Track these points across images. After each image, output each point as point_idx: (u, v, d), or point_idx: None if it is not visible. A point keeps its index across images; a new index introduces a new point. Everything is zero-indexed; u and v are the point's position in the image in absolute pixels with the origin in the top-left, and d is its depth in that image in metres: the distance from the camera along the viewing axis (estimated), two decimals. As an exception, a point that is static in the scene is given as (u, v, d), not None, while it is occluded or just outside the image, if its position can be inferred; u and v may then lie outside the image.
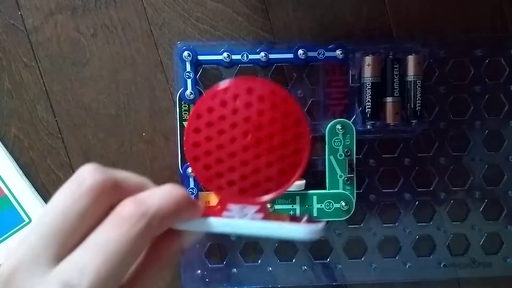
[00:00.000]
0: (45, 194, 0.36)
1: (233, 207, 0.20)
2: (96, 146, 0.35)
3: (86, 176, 0.17)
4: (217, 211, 0.20)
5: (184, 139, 0.20)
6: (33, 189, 0.35)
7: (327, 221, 0.34)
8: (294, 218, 0.21)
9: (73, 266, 0.16)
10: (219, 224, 0.20)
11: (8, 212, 0.35)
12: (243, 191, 0.20)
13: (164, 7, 0.35)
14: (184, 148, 0.20)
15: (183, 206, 0.18)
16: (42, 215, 0.17)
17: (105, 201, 0.18)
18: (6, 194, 0.35)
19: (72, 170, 0.36)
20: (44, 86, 0.35)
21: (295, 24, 0.35)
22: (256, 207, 0.20)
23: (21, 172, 0.35)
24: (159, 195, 0.18)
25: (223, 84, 0.20)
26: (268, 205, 0.21)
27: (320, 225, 0.20)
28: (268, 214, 0.20)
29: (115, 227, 0.17)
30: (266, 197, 0.20)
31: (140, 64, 0.35)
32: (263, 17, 0.35)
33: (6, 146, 0.35)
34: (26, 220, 0.35)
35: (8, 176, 0.35)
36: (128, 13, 0.35)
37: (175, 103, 0.35)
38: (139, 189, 0.19)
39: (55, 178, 0.36)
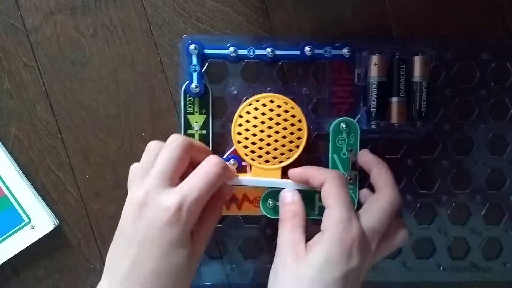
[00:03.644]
0: (45, 194, 0.29)
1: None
2: (96, 146, 0.28)
3: (174, 139, 0.23)
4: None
5: (232, 130, 0.26)
6: (32, 189, 0.29)
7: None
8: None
9: (187, 185, 0.22)
10: (249, 180, 0.26)
11: (8, 212, 0.29)
12: (267, 161, 0.26)
13: (164, 6, 0.28)
14: (232, 136, 0.26)
15: (233, 170, 0.26)
16: (156, 163, 0.22)
17: (189, 153, 0.23)
18: (6, 194, 0.29)
19: (71, 170, 0.29)
20: (44, 86, 0.28)
21: (295, 24, 0.28)
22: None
23: (21, 172, 0.29)
24: (223, 160, 0.24)
25: (256, 97, 0.26)
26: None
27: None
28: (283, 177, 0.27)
29: (211, 166, 0.23)
30: (280, 165, 0.26)
31: (140, 64, 0.28)
32: (263, 17, 0.28)
33: (6, 146, 0.29)
34: (26, 220, 0.28)
35: (8, 176, 0.29)
36: (128, 13, 0.28)
37: (175, 102, 0.28)
38: (203, 148, 0.25)
39: (54, 178, 0.29)
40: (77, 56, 0.28)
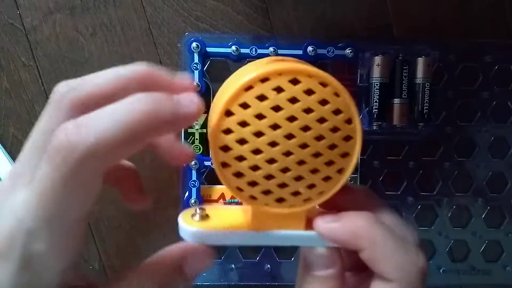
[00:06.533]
0: (44, 194, 0.27)
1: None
2: (95, 147, 0.27)
3: (55, 92, 0.13)
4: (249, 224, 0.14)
5: (210, 140, 0.13)
6: (31, 189, 0.27)
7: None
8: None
9: (24, 198, 0.12)
10: (248, 236, 0.14)
11: (7, 212, 0.26)
12: (280, 200, 0.13)
13: (163, 6, 0.26)
14: (211, 152, 0.13)
15: (143, 131, 0.11)
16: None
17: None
18: (4, 194, 0.26)
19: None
20: (43, 86, 0.27)
21: (295, 23, 0.27)
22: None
23: (19, 172, 0.27)
24: (104, 120, 0.11)
25: (263, 73, 0.12)
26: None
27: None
28: (307, 224, 0.14)
29: (46, 163, 0.11)
30: (306, 207, 0.14)
31: (139, 64, 0.26)
32: (263, 16, 0.26)
33: (4, 146, 0.27)
34: (25, 220, 0.27)
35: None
36: (127, 12, 0.26)
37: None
38: (112, 92, 0.13)
39: (53, 179, 0.27)
40: (76, 55, 0.27)
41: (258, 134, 0.12)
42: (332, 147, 0.13)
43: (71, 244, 0.12)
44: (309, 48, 0.25)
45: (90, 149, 0.11)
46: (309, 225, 0.14)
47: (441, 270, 0.28)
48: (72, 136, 0.11)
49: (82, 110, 0.12)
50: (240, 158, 0.13)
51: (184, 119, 0.12)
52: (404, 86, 0.24)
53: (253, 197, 0.13)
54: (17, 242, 0.11)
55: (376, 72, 0.24)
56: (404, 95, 0.24)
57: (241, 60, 0.26)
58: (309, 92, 0.12)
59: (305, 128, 0.12)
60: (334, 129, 0.13)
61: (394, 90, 0.24)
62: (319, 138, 0.13)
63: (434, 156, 0.27)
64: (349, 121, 0.13)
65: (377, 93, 0.24)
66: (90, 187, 0.12)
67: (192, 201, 0.27)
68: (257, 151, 0.13)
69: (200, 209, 0.15)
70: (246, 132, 0.12)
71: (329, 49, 0.25)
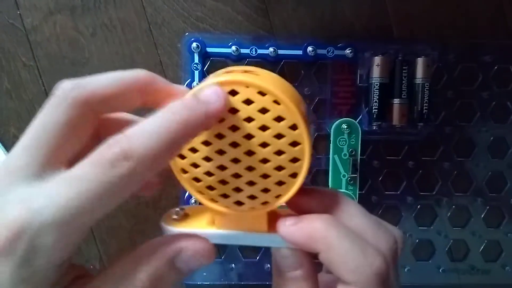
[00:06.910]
0: (44, 194, 0.27)
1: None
2: (95, 146, 0.27)
3: (58, 89, 0.13)
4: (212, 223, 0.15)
5: None
6: (32, 189, 0.27)
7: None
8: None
9: (44, 190, 0.12)
10: (214, 235, 0.14)
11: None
12: (239, 203, 0.14)
13: (163, 6, 0.26)
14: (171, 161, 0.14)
15: (182, 139, 0.12)
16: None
17: (77, 115, 0.13)
18: (5, 194, 0.26)
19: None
20: (43, 86, 0.27)
21: (295, 24, 0.27)
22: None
23: (20, 172, 0.27)
24: (150, 133, 0.12)
25: (200, 86, 0.13)
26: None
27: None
28: (268, 225, 0.15)
29: (95, 165, 0.12)
30: (265, 209, 0.14)
31: (140, 64, 0.27)
32: (263, 16, 0.26)
33: (5, 146, 0.27)
34: (25, 220, 0.27)
35: (7, 175, 0.27)
36: (128, 12, 0.26)
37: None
38: (115, 94, 0.13)
39: (54, 179, 0.27)
40: (77, 56, 0.27)
41: (206, 143, 0.13)
42: (279, 153, 0.13)
43: (76, 239, 0.12)
44: (309, 48, 0.25)
45: (143, 157, 0.11)
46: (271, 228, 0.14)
47: (440, 270, 0.28)
48: (125, 145, 0.11)
49: (84, 108, 0.13)
50: (195, 165, 0.13)
51: (215, 115, 0.12)
52: (404, 86, 0.24)
53: (213, 200, 0.14)
54: (25, 234, 0.11)
55: (375, 72, 0.24)
56: (404, 95, 0.24)
57: (241, 60, 0.26)
58: (248, 102, 0.13)
59: (248, 136, 0.13)
60: (278, 136, 0.13)
61: (393, 90, 0.24)
62: (264, 145, 0.13)
63: (434, 156, 0.27)
64: (293, 127, 0.13)
65: (376, 93, 0.24)
66: (129, 194, 0.12)
67: (192, 201, 0.27)
68: (207, 159, 0.13)
69: (180, 209, 0.15)
70: (195, 142, 0.13)
71: (329, 49, 0.25)
